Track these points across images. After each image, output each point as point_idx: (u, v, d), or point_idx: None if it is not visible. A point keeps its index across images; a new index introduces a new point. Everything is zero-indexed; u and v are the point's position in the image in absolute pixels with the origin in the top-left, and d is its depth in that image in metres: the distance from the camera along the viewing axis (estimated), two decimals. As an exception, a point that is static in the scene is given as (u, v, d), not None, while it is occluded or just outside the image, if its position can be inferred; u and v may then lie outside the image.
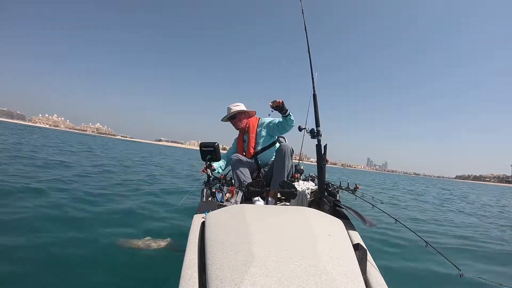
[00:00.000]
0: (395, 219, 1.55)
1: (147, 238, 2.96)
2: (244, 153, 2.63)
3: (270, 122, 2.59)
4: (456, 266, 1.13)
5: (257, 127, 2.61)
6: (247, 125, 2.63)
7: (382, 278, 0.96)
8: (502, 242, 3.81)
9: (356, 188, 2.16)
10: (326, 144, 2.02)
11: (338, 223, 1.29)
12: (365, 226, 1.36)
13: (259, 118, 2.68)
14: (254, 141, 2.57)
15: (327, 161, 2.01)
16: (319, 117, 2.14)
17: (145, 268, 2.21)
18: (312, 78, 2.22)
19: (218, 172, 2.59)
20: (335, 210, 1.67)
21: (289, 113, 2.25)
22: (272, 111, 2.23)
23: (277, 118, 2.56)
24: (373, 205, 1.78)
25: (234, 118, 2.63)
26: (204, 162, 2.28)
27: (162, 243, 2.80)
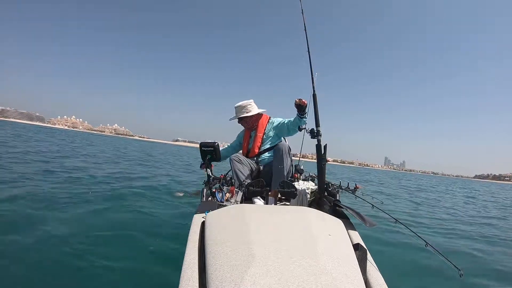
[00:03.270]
0: (395, 219, 1.55)
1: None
2: (247, 150, 2.63)
3: (279, 123, 2.59)
4: (455, 266, 1.13)
5: (266, 126, 2.61)
6: (256, 124, 2.63)
7: (382, 278, 0.96)
8: None
9: (356, 188, 2.16)
10: (326, 144, 2.02)
11: (338, 223, 1.29)
12: (365, 226, 1.36)
13: (269, 118, 2.68)
14: (260, 140, 2.57)
15: (327, 161, 2.01)
16: (319, 117, 2.13)
17: (145, 268, 2.21)
18: (312, 78, 2.22)
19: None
20: (335, 210, 1.67)
21: (305, 116, 2.26)
22: (303, 119, 2.26)
23: (286, 118, 2.59)
24: (373, 205, 1.78)
25: (241, 120, 2.63)
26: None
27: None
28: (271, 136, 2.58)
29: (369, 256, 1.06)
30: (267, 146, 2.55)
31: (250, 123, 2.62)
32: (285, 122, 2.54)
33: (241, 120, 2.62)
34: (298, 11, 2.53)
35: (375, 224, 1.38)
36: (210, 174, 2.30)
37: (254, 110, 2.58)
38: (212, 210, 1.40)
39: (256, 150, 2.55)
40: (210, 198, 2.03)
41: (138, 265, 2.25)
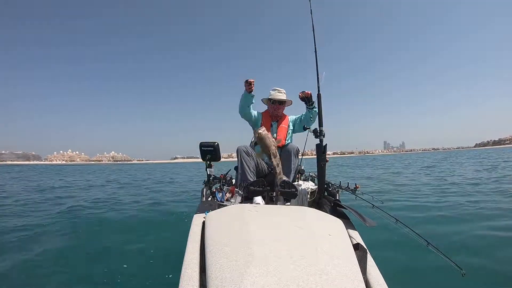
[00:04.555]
0: (396, 219, 1.55)
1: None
2: None
3: (296, 118, 2.62)
4: (457, 266, 1.13)
5: (288, 121, 2.62)
6: (281, 114, 2.59)
7: (382, 278, 0.95)
8: None
9: (356, 188, 2.15)
10: (326, 144, 2.02)
11: (338, 223, 1.29)
12: (365, 226, 1.36)
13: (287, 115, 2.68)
14: (286, 132, 2.53)
15: (327, 161, 2.00)
16: (322, 117, 2.13)
17: (145, 268, 2.21)
18: (318, 78, 2.20)
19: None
20: (335, 210, 1.66)
21: (314, 106, 2.27)
22: (313, 109, 2.27)
23: (298, 115, 2.62)
24: (373, 205, 1.78)
25: (282, 103, 2.54)
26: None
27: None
28: (292, 130, 2.60)
29: (369, 256, 1.06)
30: (289, 141, 2.56)
31: (279, 111, 2.56)
32: (300, 116, 2.57)
33: (277, 104, 2.51)
34: (307, 11, 2.51)
35: (375, 224, 1.38)
36: (211, 174, 2.29)
37: (285, 98, 2.55)
38: (212, 210, 1.40)
39: (284, 142, 2.49)
40: (210, 198, 2.03)
41: (139, 265, 2.25)
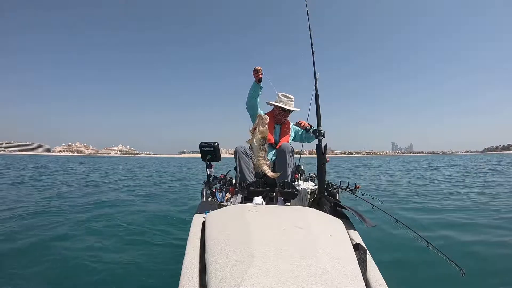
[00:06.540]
0: (396, 219, 1.55)
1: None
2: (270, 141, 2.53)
3: (298, 130, 2.64)
4: (457, 265, 1.13)
5: (291, 126, 2.63)
6: (285, 120, 2.58)
7: (382, 278, 0.95)
8: None
9: (356, 188, 2.15)
10: (326, 144, 2.02)
11: (338, 223, 1.29)
12: (365, 226, 1.36)
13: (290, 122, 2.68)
14: (288, 138, 2.53)
15: (327, 161, 2.00)
16: (321, 117, 2.13)
17: (145, 268, 2.21)
18: (315, 78, 2.20)
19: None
20: (335, 210, 1.66)
21: (310, 134, 2.36)
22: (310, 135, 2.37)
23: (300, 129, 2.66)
24: (373, 205, 1.78)
25: (283, 110, 2.49)
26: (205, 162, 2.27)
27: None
28: (293, 138, 2.62)
29: (369, 256, 1.06)
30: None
31: (284, 117, 2.53)
32: (301, 131, 2.60)
33: (283, 111, 2.48)
34: (303, 12, 2.50)
35: (375, 224, 1.38)
36: (211, 174, 2.29)
37: (293, 107, 2.52)
38: (212, 210, 1.40)
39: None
40: (210, 198, 2.03)
41: (139, 265, 2.25)
